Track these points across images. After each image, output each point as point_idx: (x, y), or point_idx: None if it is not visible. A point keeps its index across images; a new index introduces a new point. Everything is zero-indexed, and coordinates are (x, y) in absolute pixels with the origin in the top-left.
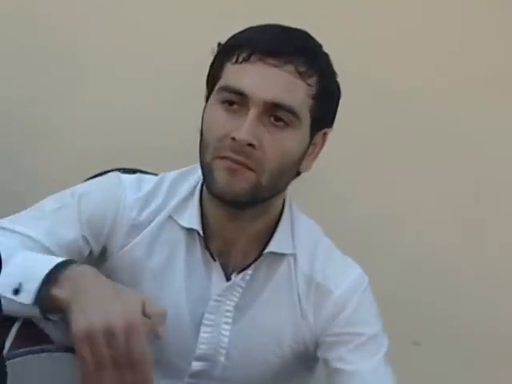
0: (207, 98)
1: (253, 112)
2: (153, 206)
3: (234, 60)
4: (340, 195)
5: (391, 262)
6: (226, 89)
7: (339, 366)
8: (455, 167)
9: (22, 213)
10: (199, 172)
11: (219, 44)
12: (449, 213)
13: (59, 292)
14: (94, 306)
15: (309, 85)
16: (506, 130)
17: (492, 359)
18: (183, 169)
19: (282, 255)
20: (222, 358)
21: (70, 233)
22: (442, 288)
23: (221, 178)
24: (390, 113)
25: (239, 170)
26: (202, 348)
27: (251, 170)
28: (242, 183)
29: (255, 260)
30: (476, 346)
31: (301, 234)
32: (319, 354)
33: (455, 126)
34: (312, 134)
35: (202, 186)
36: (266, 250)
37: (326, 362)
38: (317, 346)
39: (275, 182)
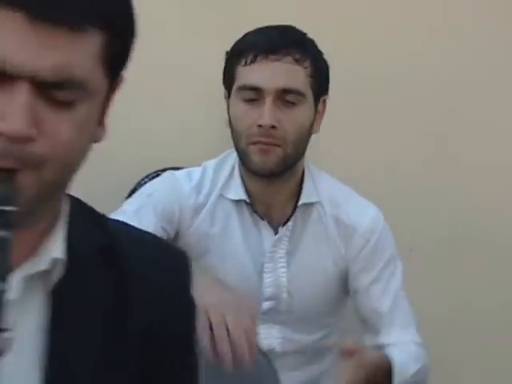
0: (228, 97)
1: (269, 100)
2: (205, 190)
3: (243, 63)
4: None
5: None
6: (243, 88)
7: (364, 289)
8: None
9: None
10: (233, 156)
11: (227, 52)
12: None
13: None
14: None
15: (305, 68)
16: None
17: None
18: (219, 156)
19: (311, 204)
20: (285, 295)
21: (152, 226)
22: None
23: (256, 158)
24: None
25: (269, 149)
26: (268, 291)
27: (278, 146)
28: (273, 158)
29: (292, 213)
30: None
31: (321, 185)
32: (350, 280)
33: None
34: (316, 105)
35: (239, 166)
36: (299, 203)
37: (355, 288)
38: (348, 273)
39: (297, 149)
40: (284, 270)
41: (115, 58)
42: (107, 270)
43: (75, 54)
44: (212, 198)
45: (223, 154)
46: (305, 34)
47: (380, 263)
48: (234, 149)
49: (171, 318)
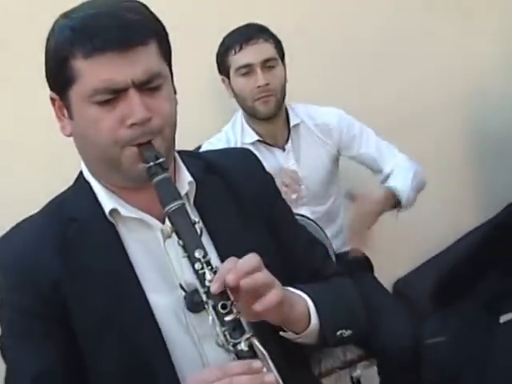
0: (228, 79)
1: (258, 69)
2: (232, 143)
3: (233, 53)
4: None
5: None
6: (239, 68)
7: (356, 153)
8: None
9: None
10: (239, 116)
11: (217, 52)
12: None
13: None
14: None
15: (271, 44)
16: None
17: None
18: (230, 121)
19: (297, 124)
20: (302, 186)
21: None
22: None
23: (262, 108)
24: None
25: (268, 99)
26: None
27: (272, 95)
28: (272, 104)
29: (289, 134)
30: None
31: (297, 110)
32: (344, 154)
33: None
34: (283, 63)
35: (246, 119)
36: (290, 126)
37: (351, 156)
38: (339, 153)
39: (282, 95)
40: (298, 169)
41: (166, 52)
42: (213, 177)
43: (149, 58)
44: (238, 146)
45: (232, 119)
46: (264, 26)
47: (357, 135)
48: (235, 114)
49: (264, 189)
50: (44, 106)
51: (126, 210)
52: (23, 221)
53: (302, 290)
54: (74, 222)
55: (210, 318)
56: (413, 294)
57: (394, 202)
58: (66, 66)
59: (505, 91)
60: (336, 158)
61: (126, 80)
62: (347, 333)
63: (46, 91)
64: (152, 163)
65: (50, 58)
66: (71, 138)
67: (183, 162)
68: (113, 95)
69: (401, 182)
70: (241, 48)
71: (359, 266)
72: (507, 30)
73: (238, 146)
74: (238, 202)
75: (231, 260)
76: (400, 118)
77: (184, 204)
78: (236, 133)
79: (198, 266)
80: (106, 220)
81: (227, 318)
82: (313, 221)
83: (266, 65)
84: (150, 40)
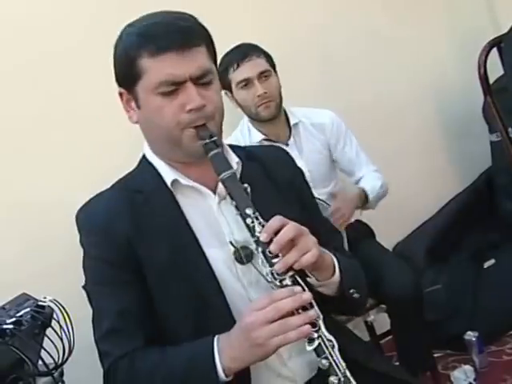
0: (231, 93)
1: (256, 81)
2: (242, 144)
3: (232, 70)
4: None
5: None
6: (239, 82)
7: (339, 152)
8: None
9: None
10: (244, 122)
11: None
12: None
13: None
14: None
15: (263, 58)
16: None
17: None
18: (238, 127)
19: (296, 124)
20: (307, 173)
21: None
22: None
23: (264, 112)
24: None
25: (268, 105)
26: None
27: (271, 101)
28: (272, 108)
29: (290, 133)
30: None
31: (295, 113)
32: (332, 152)
33: None
34: (275, 73)
35: (252, 123)
36: (291, 125)
37: (335, 155)
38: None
39: (280, 99)
40: (302, 162)
41: (213, 54)
42: (253, 163)
43: (202, 57)
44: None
45: (240, 124)
46: (255, 44)
47: (342, 137)
48: (242, 121)
49: (296, 178)
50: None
51: (184, 181)
52: (96, 195)
53: (329, 251)
54: (139, 193)
55: (260, 260)
56: (411, 254)
57: (364, 201)
58: (134, 64)
59: (465, 80)
60: (331, 154)
61: (184, 75)
62: (356, 295)
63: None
64: (208, 140)
65: (119, 60)
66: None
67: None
68: (174, 87)
69: (370, 186)
70: (238, 66)
71: (365, 233)
72: (462, 29)
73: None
74: (274, 184)
75: (278, 217)
76: (380, 112)
77: (235, 172)
78: (244, 135)
79: (249, 220)
80: (166, 190)
81: (274, 260)
82: (322, 200)
83: (262, 76)
84: (202, 43)
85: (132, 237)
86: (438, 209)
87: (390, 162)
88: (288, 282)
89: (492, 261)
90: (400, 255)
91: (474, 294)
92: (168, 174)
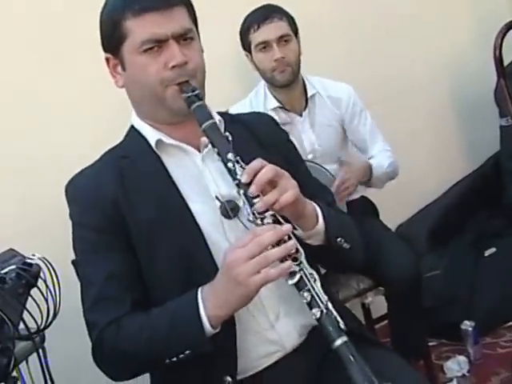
0: (250, 55)
1: (274, 44)
2: (258, 108)
3: (252, 31)
4: None
5: None
6: (258, 44)
7: (354, 129)
8: None
9: None
10: (261, 85)
11: (240, 31)
12: None
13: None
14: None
15: (285, 21)
16: None
17: None
18: (254, 90)
19: (314, 95)
20: (316, 146)
21: None
22: None
23: (280, 77)
24: None
25: (285, 70)
26: (308, 147)
27: (288, 66)
28: (288, 74)
29: (306, 103)
30: None
31: (313, 82)
32: (346, 127)
33: None
34: (297, 38)
35: (268, 88)
36: (308, 96)
37: (349, 130)
38: (343, 125)
39: (298, 65)
40: (314, 136)
41: (193, 16)
42: (237, 125)
43: (183, 17)
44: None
45: (256, 87)
46: (279, 6)
47: (357, 114)
48: (259, 84)
49: (280, 138)
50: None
51: (168, 140)
52: (85, 167)
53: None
54: (125, 158)
55: (241, 201)
56: (413, 236)
57: (369, 176)
58: (118, 27)
59: (481, 62)
60: (344, 129)
61: (166, 33)
62: (345, 245)
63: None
64: (190, 93)
65: (105, 25)
66: None
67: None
68: (157, 44)
69: (377, 163)
70: (258, 27)
71: (368, 210)
72: (480, 11)
73: (261, 110)
74: (258, 141)
75: (258, 159)
76: (393, 89)
77: (215, 122)
78: (259, 100)
79: (230, 164)
80: (151, 152)
81: (255, 200)
82: (315, 163)
83: (282, 40)
84: (182, 4)
85: (119, 201)
86: (444, 191)
87: (399, 141)
88: (269, 220)
89: (493, 249)
90: (402, 237)
91: (472, 282)
92: (152, 135)
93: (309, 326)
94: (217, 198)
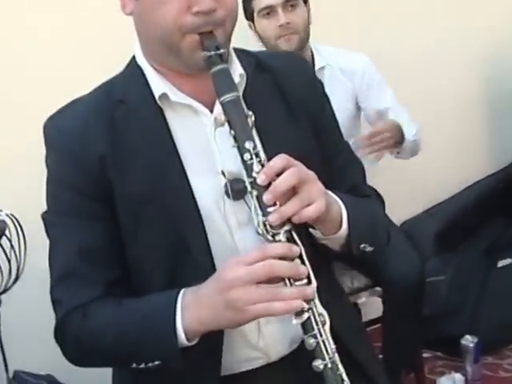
0: (253, 23)
1: (279, 9)
2: None
3: None
4: None
5: None
6: (261, 10)
7: (368, 104)
8: None
9: None
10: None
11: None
12: None
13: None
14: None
15: None
16: None
17: None
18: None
19: (323, 67)
20: None
21: None
22: None
23: (285, 46)
24: None
25: (290, 38)
26: None
27: (294, 33)
28: (295, 42)
29: None
30: None
31: (323, 53)
32: (360, 103)
33: None
34: (306, 4)
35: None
36: (316, 69)
37: (364, 106)
38: (357, 99)
39: (305, 34)
40: (327, 105)
41: None
42: (263, 75)
43: None
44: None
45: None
46: None
47: (375, 87)
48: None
49: (313, 93)
50: None
51: (175, 96)
52: (72, 101)
53: (338, 196)
54: (122, 104)
55: (253, 207)
56: (418, 236)
57: (401, 139)
58: None
59: None
60: (357, 106)
61: None
62: (369, 249)
63: None
64: (213, 52)
65: None
66: None
67: (236, 55)
68: None
69: (405, 130)
70: None
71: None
72: None
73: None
74: (285, 102)
75: (281, 157)
76: (422, 68)
77: (239, 96)
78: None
79: (247, 156)
80: (154, 104)
81: (270, 209)
82: None
83: (288, 5)
84: None
85: (106, 158)
86: (460, 190)
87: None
88: (282, 238)
89: (508, 260)
90: (406, 235)
91: (480, 293)
92: (157, 85)
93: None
94: (223, 173)
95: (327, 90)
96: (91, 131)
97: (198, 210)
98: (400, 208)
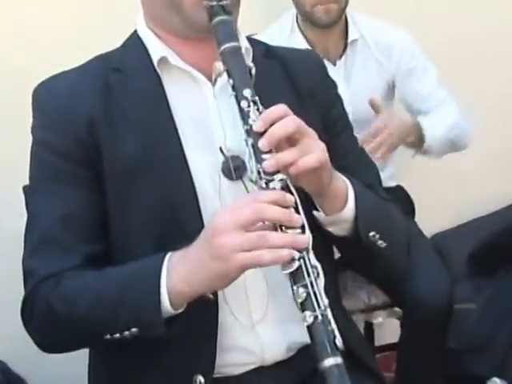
0: None
1: None
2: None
3: None
4: None
5: None
6: None
7: (407, 87)
8: None
9: None
10: (290, 17)
11: None
12: None
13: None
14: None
15: None
16: None
17: None
18: (278, 20)
19: (356, 40)
20: (349, 108)
21: None
22: None
23: (322, 15)
24: None
25: (330, 7)
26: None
27: (334, 3)
28: (333, 13)
29: (344, 49)
30: None
31: (360, 23)
32: (398, 84)
33: None
34: None
35: (298, 23)
36: (348, 41)
37: (403, 88)
38: (393, 82)
39: (346, 2)
40: (345, 90)
41: None
42: (273, 62)
43: None
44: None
45: (280, 19)
46: None
47: (416, 69)
48: (284, 15)
49: (324, 90)
50: None
51: (175, 60)
52: (66, 70)
53: (346, 177)
54: (118, 72)
55: (247, 155)
56: (449, 254)
57: (418, 137)
58: None
59: None
60: (390, 86)
61: None
62: (380, 242)
63: None
64: (215, 2)
65: None
66: None
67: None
68: None
69: (431, 122)
70: None
71: (402, 206)
72: None
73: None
74: (295, 90)
75: (281, 106)
76: (474, 55)
77: (239, 47)
78: (282, 35)
79: (244, 103)
80: (153, 71)
81: (265, 156)
82: None
83: None
84: None
85: (97, 120)
86: (499, 207)
87: None
88: (276, 186)
89: None
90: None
91: None
92: (157, 49)
93: (303, 342)
94: (221, 150)
95: (357, 64)
96: (83, 93)
97: (194, 187)
98: (429, 218)
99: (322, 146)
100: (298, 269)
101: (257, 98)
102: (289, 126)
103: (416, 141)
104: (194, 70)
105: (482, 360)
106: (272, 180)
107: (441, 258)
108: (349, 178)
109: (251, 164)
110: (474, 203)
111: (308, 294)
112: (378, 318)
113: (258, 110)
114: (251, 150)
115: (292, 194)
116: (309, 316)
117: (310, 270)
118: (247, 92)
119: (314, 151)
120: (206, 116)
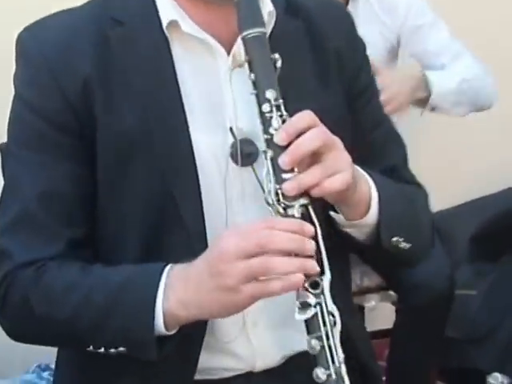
0: None
1: None
2: None
3: None
4: None
5: None
6: None
7: (416, 47)
8: None
9: None
10: None
11: None
12: None
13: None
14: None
15: None
16: None
17: None
18: None
19: None
20: None
21: None
22: None
23: None
24: None
25: None
26: None
27: None
28: None
29: (347, 3)
30: None
31: None
32: (403, 44)
33: None
34: None
35: None
36: None
37: (411, 46)
38: (398, 43)
39: None
40: None
41: None
42: (294, 21)
43: None
44: None
45: None
46: None
47: (424, 27)
48: None
49: (352, 53)
50: None
51: (188, 26)
52: (56, 12)
53: (369, 175)
54: (118, 25)
55: (265, 170)
56: (450, 234)
57: (424, 91)
58: None
59: None
60: (394, 49)
61: None
62: (404, 244)
63: None
64: None
65: None
66: None
67: None
68: None
69: (439, 74)
70: None
71: None
72: None
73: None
74: (317, 55)
75: (306, 113)
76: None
77: (265, 33)
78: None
79: (266, 107)
80: (160, 33)
81: (286, 176)
82: None
83: None
84: None
85: (92, 82)
86: (506, 187)
87: None
88: (296, 213)
89: None
90: (436, 230)
91: None
92: (167, 9)
93: (298, 349)
94: (231, 131)
95: (359, 26)
96: (78, 48)
97: (196, 171)
98: (436, 196)
99: (348, 160)
100: (313, 316)
101: (281, 101)
102: (315, 140)
103: (428, 96)
104: (208, 36)
105: (483, 352)
106: (292, 206)
107: (440, 239)
108: (371, 174)
109: (269, 181)
110: (477, 181)
111: (323, 347)
112: (371, 302)
113: (281, 116)
114: (270, 166)
115: (313, 223)
116: (321, 374)
117: (327, 319)
118: (270, 94)
119: (339, 169)
120: (218, 91)
